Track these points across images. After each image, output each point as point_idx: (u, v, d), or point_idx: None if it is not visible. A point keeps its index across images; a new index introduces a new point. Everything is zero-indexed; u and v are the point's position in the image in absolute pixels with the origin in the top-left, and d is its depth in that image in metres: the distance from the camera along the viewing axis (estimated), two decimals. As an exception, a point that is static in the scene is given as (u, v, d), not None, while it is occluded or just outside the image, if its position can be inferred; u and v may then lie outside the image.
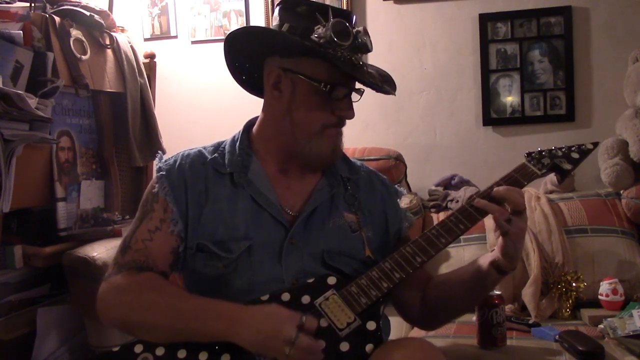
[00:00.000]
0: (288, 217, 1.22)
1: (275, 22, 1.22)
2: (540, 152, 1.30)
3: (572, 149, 1.30)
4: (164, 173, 1.22)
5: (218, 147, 1.29)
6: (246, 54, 1.27)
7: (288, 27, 1.17)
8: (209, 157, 1.26)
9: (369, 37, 1.21)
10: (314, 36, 1.15)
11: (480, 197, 1.18)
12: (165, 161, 1.25)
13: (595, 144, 1.33)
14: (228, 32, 2.43)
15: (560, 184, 1.32)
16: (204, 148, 1.29)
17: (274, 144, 1.26)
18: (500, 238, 1.15)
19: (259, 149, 1.27)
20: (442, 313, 1.31)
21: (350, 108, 1.22)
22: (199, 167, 1.24)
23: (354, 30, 1.18)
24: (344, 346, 1.05)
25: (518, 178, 1.23)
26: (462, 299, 1.27)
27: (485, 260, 1.19)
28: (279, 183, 1.25)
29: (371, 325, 1.07)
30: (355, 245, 1.25)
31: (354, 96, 1.23)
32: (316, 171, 1.29)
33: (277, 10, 1.22)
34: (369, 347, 1.05)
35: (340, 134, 1.25)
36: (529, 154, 1.29)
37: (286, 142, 1.23)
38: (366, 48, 1.20)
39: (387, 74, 1.30)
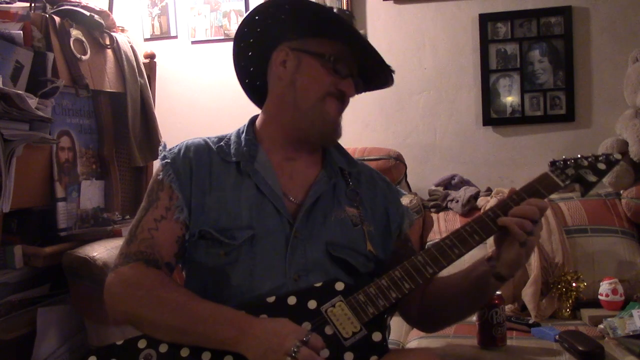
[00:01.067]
0: (291, 206, 1.23)
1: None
2: (565, 161, 1.21)
3: (600, 159, 1.22)
4: (169, 161, 1.23)
5: (222, 139, 1.30)
6: (254, 51, 1.31)
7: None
8: (214, 146, 1.27)
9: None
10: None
11: (500, 209, 1.14)
12: (170, 150, 1.27)
13: (624, 154, 1.26)
14: (228, 32, 2.44)
15: (583, 196, 1.23)
16: (208, 138, 1.30)
17: (277, 126, 1.28)
18: (516, 248, 1.10)
19: (264, 138, 1.29)
20: (441, 319, 1.32)
21: (352, 86, 1.25)
22: (204, 154, 1.25)
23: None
24: (348, 356, 1.03)
25: (539, 189, 1.16)
26: (461, 307, 1.26)
27: (484, 269, 1.16)
28: (283, 172, 1.26)
29: (377, 337, 1.06)
30: (356, 238, 1.25)
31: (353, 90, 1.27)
32: (317, 148, 1.30)
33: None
34: (373, 358, 1.03)
35: (341, 111, 1.28)
36: (552, 163, 1.21)
37: (289, 120, 1.25)
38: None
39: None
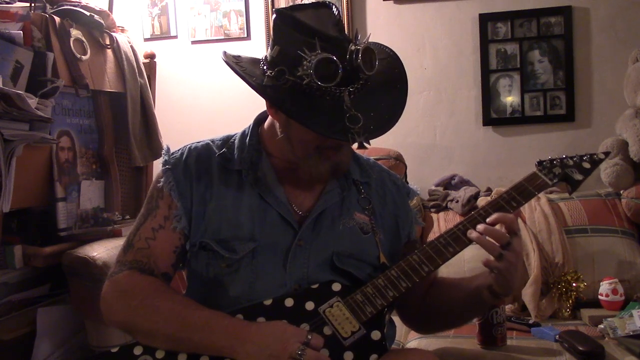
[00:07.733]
0: (297, 217, 1.19)
1: (271, 34, 1.14)
2: (551, 160, 1.25)
3: (584, 158, 1.26)
4: (169, 167, 1.20)
5: (227, 141, 1.25)
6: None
7: (278, 52, 1.08)
8: (217, 151, 1.23)
9: (374, 55, 1.09)
10: (299, 73, 1.04)
11: (478, 216, 1.14)
12: (172, 154, 1.23)
13: (607, 154, 1.30)
14: (228, 32, 2.37)
15: (571, 194, 1.29)
16: (212, 141, 1.26)
17: (279, 148, 1.21)
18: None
19: (268, 146, 1.24)
20: (437, 323, 1.32)
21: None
22: (206, 161, 1.22)
23: (352, 49, 1.05)
24: (348, 356, 1.03)
25: (529, 188, 1.19)
26: (458, 314, 1.27)
27: (482, 283, 1.16)
28: (288, 181, 1.21)
29: (376, 335, 1.06)
30: (367, 248, 1.21)
31: None
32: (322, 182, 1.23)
33: (273, 20, 1.12)
34: (373, 357, 1.03)
35: (344, 151, 1.17)
36: (540, 163, 1.25)
37: (290, 158, 1.19)
38: (362, 72, 1.06)
39: (396, 71, 1.18)
